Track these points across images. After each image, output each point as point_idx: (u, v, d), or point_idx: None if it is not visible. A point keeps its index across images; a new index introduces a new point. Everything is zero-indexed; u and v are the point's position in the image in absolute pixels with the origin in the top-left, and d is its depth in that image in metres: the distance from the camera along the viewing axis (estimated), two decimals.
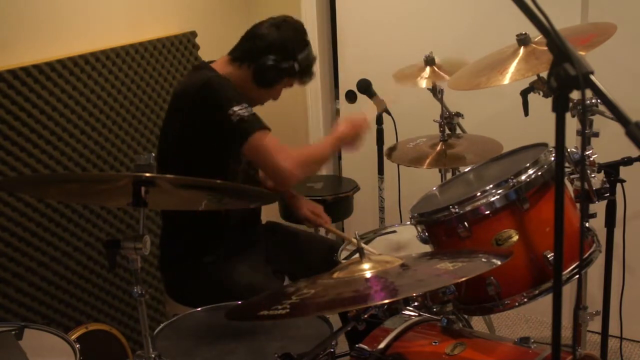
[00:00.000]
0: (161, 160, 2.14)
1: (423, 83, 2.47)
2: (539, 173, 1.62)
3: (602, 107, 1.78)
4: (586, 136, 1.85)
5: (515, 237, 1.62)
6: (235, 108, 1.99)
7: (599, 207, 1.93)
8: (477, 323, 2.75)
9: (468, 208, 1.64)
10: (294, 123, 3.47)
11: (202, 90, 2.04)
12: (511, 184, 1.61)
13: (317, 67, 3.34)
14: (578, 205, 1.76)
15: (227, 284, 2.13)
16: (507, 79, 1.82)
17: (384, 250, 2.20)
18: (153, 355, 1.47)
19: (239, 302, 1.69)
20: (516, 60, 1.87)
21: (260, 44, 2.16)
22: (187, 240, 2.19)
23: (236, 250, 2.20)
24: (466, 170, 2.04)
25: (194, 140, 2.07)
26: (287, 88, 2.28)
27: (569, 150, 1.66)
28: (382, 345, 1.53)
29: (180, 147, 2.11)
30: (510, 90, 2.08)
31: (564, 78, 0.95)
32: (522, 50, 1.90)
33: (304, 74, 2.24)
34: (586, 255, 1.67)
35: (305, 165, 2.09)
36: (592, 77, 0.95)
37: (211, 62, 2.25)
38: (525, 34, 1.90)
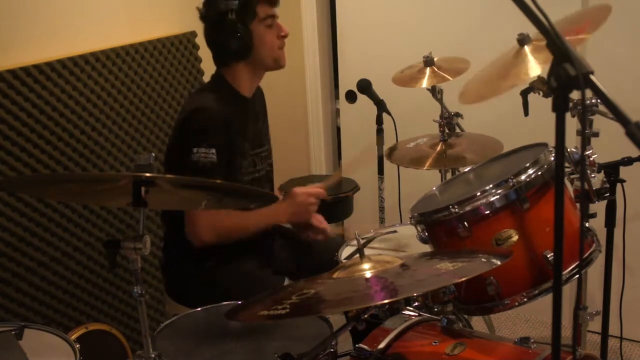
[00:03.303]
0: (168, 162, 2.21)
1: (423, 83, 2.47)
2: (539, 173, 1.62)
3: (602, 107, 1.78)
4: (586, 136, 1.85)
5: (515, 237, 1.61)
6: (200, 149, 1.99)
7: (599, 207, 1.93)
8: (477, 323, 2.75)
9: (468, 208, 1.64)
10: (294, 123, 3.47)
11: (188, 117, 2.08)
12: (511, 183, 1.61)
13: (317, 67, 3.39)
14: (578, 205, 1.76)
15: (227, 283, 2.13)
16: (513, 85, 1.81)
17: (384, 250, 2.20)
18: (153, 355, 1.47)
19: (239, 302, 1.69)
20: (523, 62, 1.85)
21: (215, 35, 2.13)
22: (189, 240, 2.18)
23: (237, 250, 2.20)
24: (466, 170, 2.04)
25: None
26: (269, 20, 2.12)
27: (569, 150, 1.66)
28: (382, 345, 1.53)
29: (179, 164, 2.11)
30: (510, 90, 2.07)
31: (564, 78, 0.95)
32: (524, 49, 1.89)
33: None
34: (586, 255, 1.67)
35: (222, 236, 2.07)
36: (592, 77, 0.95)
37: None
38: (526, 34, 1.89)
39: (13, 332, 1.72)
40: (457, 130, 2.58)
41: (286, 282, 2.40)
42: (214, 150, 2.00)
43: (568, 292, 2.76)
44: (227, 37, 2.08)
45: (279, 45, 2.17)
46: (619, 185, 1.95)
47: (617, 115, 0.95)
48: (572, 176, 1.77)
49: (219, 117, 2.06)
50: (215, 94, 2.13)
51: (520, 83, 1.80)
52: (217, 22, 2.09)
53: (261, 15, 2.11)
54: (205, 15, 2.14)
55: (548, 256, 1.59)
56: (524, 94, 2.04)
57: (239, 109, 2.16)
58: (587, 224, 1.71)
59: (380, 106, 2.63)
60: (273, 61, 2.18)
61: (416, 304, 1.77)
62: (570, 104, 1.79)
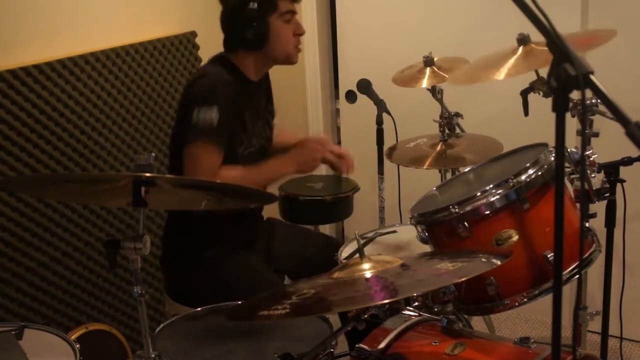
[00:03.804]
0: (173, 149, 2.18)
1: (423, 83, 2.47)
2: (539, 173, 1.62)
3: (602, 107, 1.78)
4: (586, 136, 1.85)
5: (515, 237, 1.61)
6: (201, 108, 1.95)
7: (599, 207, 1.93)
8: (477, 323, 2.75)
9: (468, 208, 1.63)
10: (294, 123, 3.47)
11: (190, 85, 2.08)
12: (511, 184, 1.61)
13: (317, 67, 3.39)
14: (578, 205, 1.76)
15: (227, 281, 2.13)
16: (502, 75, 1.82)
17: (384, 250, 2.20)
18: (153, 355, 1.47)
19: (239, 302, 1.69)
20: (514, 58, 1.86)
21: (232, 21, 2.10)
22: (188, 238, 2.19)
23: (237, 248, 2.20)
24: (466, 170, 2.04)
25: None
26: (289, 15, 2.10)
27: (569, 150, 1.66)
28: (382, 345, 1.53)
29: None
30: (510, 90, 2.08)
31: (564, 78, 0.95)
32: (520, 49, 1.90)
33: None
34: (586, 255, 1.67)
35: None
36: (592, 77, 0.95)
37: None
38: (526, 34, 1.90)
39: (13, 332, 1.72)
40: (457, 130, 2.58)
41: (286, 281, 2.41)
42: (215, 109, 1.95)
43: (568, 292, 2.76)
44: (244, 26, 2.06)
45: (294, 43, 2.15)
46: (619, 185, 1.95)
47: (617, 115, 0.95)
48: (572, 176, 1.77)
49: (224, 82, 2.04)
50: (220, 67, 2.11)
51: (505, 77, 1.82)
52: (237, 9, 2.06)
53: (282, 9, 2.08)
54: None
55: (548, 256, 1.59)
56: (524, 94, 2.04)
57: (242, 85, 2.12)
58: (587, 224, 1.71)
59: (380, 106, 2.63)
60: (285, 57, 2.16)
61: (416, 304, 1.77)
62: (570, 104, 1.79)
